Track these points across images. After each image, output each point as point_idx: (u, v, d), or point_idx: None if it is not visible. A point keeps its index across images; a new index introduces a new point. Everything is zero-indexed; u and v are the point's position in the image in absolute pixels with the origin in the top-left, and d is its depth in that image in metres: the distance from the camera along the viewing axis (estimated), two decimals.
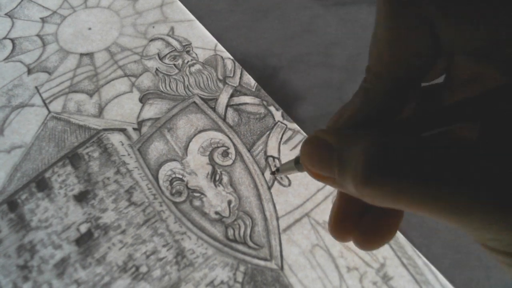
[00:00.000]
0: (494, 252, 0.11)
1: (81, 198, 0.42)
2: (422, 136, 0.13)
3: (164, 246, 0.39)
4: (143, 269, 0.38)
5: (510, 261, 0.11)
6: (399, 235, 0.39)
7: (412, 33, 0.13)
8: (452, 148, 0.11)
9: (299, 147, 0.44)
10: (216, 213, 0.40)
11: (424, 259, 0.37)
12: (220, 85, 0.49)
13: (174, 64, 0.52)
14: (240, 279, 0.37)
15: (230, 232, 0.39)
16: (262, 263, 0.38)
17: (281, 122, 0.46)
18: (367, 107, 0.15)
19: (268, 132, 0.45)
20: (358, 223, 0.16)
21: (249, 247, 0.39)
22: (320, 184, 0.42)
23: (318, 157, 0.14)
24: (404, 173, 0.11)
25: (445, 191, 0.10)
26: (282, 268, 0.38)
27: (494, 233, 0.10)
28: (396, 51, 0.13)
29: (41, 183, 0.43)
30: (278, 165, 0.43)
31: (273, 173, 0.33)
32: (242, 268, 0.38)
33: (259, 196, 0.41)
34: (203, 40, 0.54)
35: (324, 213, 0.40)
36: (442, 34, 0.13)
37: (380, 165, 0.11)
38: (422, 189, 0.11)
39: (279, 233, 0.39)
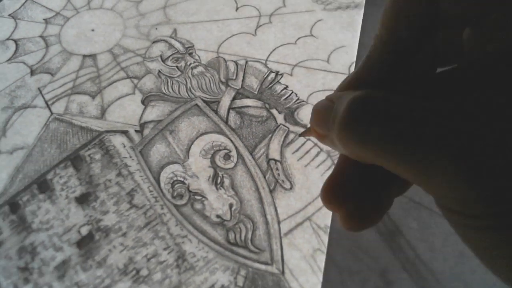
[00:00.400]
0: (452, 214, 0.12)
1: (83, 200, 0.42)
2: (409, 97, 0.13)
3: (165, 249, 0.39)
4: (144, 272, 0.38)
5: (468, 221, 0.11)
6: (402, 242, 0.38)
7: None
8: (416, 107, 0.12)
9: (301, 150, 0.44)
10: (217, 216, 0.40)
11: (428, 265, 0.37)
12: (223, 87, 0.49)
13: (177, 66, 0.52)
14: (241, 283, 0.37)
15: (231, 235, 0.39)
16: (263, 267, 0.38)
17: (283, 125, 0.46)
18: (369, 70, 0.16)
19: (270, 135, 0.45)
20: (348, 198, 0.16)
21: (250, 251, 0.39)
22: None
23: (321, 115, 0.15)
24: (374, 124, 0.12)
25: (406, 145, 0.11)
26: (283, 272, 0.37)
27: (461, 194, 0.11)
28: (397, 12, 0.14)
29: (43, 185, 0.43)
30: (279, 168, 0.43)
31: (299, 135, 0.35)
32: (243, 272, 0.38)
33: (260, 200, 0.41)
34: (206, 42, 0.54)
35: (326, 217, 0.40)
36: (445, 4, 0.13)
37: (356, 113, 0.13)
38: (385, 142, 0.12)
39: (281, 237, 0.39)
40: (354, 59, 0.51)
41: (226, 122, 0.46)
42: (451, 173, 0.11)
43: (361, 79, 0.16)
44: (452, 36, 0.15)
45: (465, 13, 0.13)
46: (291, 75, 0.50)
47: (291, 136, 0.45)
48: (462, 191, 0.11)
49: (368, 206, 0.16)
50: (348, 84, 0.16)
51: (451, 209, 0.12)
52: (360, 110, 0.13)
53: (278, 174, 0.43)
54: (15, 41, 0.56)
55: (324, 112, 0.15)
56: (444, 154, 0.11)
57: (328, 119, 0.14)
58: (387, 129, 0.12)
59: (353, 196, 0.16)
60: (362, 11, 0.55)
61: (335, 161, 0.44)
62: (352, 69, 0.50)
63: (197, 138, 0.45)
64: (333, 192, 0.16)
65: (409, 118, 0.12)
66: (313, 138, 0.45)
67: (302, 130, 0.45)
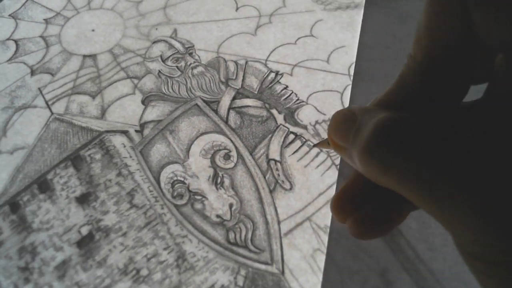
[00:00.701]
0: (474, 260, 0.11)
1: (83, 200, 0.42)
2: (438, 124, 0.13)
3: (165, 249, 0.39)
4: (144, 272, 0.38)
5: (490, 270, 0.10)
6: (402, 242, 0.38)
7: (449, 20, 0.13)
8: (444, 139, 0.11)
9: (301, 151, 0.44)
10: (218, 216, 0.40)
11: (427, 265, 0.37)
12: (223, 87, 0.49)
13: (177, 66, 0.52)
14: (241, 283, 0.37)
15: (231, 235, 0.39)
16: (263, 267, 0.38)
17: (283, 125, 0.46)
18: (401, 89, 0.15)
19: (270, 135, 0.45)
20: (359, 208, 0.16)
21: (250, 251, 0.39)
22: (322, 188, 0.42)
23: (342, 126, 0.15)
24: (399, 154, 0.12)
25: (430, 178, 0.11)
26: (283, 272, 0.37)
27: (475, 234, 0.10)
28: (432, 33, 0.14)
29: (43, 185, 0.43)
30: (279, 169, 0.43)
31: (313, 146, 0.36)
32: (243, 272, 0.38)
33: (260, 200, 0.41)
34: (206, 42, 0.54)
35: (326, 217, 0.40)
36: (477, 24, 0.13)
37: (381, 140, 0.12)
38: (407, 174, 0.11)
39: (280, 237, 0.39)
40: (354, 59, 0.51)
41: (226, 122, 0.46)
42: (468, 212, 0.10)
43: (392, 98, 0.15)
44: (483, 60, 0.14)
45: (502, 38, 0.13)
46: (291, 75, 0.50)
47: (291, 136, 0.45)
48: (478, 233, 0.10)
49: (377, 219, 0.16)
50: (378, 103, 0.16)
51: (468, 252, 0.11)
52: (386, 137, 0.12)
53: (278, 175, 0.43)
54: (16, 41, 0.56)
55: (345, 124, 0.14)
56: (463, 191, 0.10)
57: (349, 133, 0.14)
58: (411, 161, 0.11)
59: (362, 209, 0.16)
60: (362, 11, 0.55)
61: (335, 162, 0.45)
62: (352, 69, 0.50)
63: (197, 138, 0.45)
64: (342, 204, 0.16)
65: (436, 152, 0.11)
66: (308, 137, 0.45)
67: (302, 130, 0.45)
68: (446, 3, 0.13)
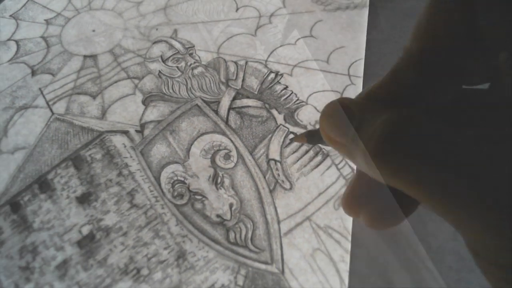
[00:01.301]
0: (485, 262, 0.11)
1: (83, 200, 0.42)
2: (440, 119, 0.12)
3: (165, 248, 0.39)
4: (144, 271, 0.38)
5: (501, 273, 0.10)
6: (402, 242, 0.38)
7: (452, 15, 0.13)
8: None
9: (300, 150, 0.44)
10: (218, 216, 0.41)
11: (427, 265, 0.37)
12: (223, 87, 0.50)
13: (177, 67, 0.52)
14: (241, 282, 0.37)
15: (232, 235, 0.40)
16: (263, 266, 0.38)
17: (283, 126, 0.46)
18: (394, 81, 0.15)
19: (270, 135, 0.45)
20: (370, 200, 0.16)
21: (250, 250, 0.39)
22: (321, 187, 0.42)
23: (337, 120, 0.14)
24: (412, 153, 0.11)
25: (449, 180, 0.10)
26: (283, 272, 0.38)
27: (490, 238, 0.10)
28: (432, 26, 0.14)
29: (44, 185, 0.43)
30: (279, 168, 0.43)
31: (290, 140, 0.34)
32: (243, 271, 0.38)
33: (260, 199, 0.41)
34: (206, 42, 0.54)
35: (325, 217, 0.40)
36: (483, 25, 0.12)
37: (394, 139, 0.12)
38: (419, 177, 0.11)
39: (280, 237, 0.39)
40: (354, 59, 0.51)
41: (226, 122, 0.46)
42: (484, 215, 0.10)
43: (383, 91, 0.15)
44: (487, 56, 0.14)
45: (504, 36, 0.12)
46: (291, 75, 0.50)
47: (291, 136, 0.45)
48: (495, 236, 0.10)
49: (388, 209, 0.15)
50: (369, 94, 0.15)
51: (483, 257, 0.11)
52: (399, 137, 0.12)
53: (278, 174, 0.43)
54: (16, 41, 0.56)
55: (341, 119, 0.14)
56: (479, 194, 0.10)
57: (348, 129, 0.13)
58: (423, 164, 0.11)
59: (372, 202, 0.16)
60: (362, 11, 0.55)
61: (335, 161, 0.45)
62: (352, 69, 0.50)
63: (197, 138, 0.45)
64: (353, 200, 0.16)
65: (448, 150, 0.11)
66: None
67: (302, 130, 0.45)
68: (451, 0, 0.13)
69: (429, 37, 0.14)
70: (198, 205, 0.41)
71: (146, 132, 0.46)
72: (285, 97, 0.48)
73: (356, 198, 0.16)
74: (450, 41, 0.14)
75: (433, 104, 0.14)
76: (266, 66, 0.51)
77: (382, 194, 0.16)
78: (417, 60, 0.14)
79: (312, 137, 0.18)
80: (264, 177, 0.43)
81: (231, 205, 0.41)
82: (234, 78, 0.50)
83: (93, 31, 0.57)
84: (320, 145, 0.44)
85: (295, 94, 0.48)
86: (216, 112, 0.47)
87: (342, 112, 0.14)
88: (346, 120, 0.14)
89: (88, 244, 0.40)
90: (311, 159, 0.43)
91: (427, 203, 0.11)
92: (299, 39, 0.54)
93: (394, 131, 0.12)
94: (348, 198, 0.16)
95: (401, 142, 0.12)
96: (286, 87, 0.49)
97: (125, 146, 0.46)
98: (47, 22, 0.58)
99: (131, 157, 0.45)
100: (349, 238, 0.39)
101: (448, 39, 0.14)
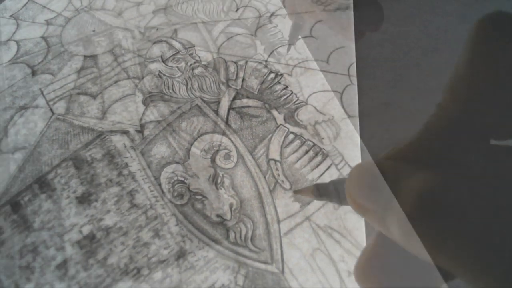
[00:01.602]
0: None
1: (84, 200, 0.42)
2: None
3: (165, 248, 0.39)
4: (145, 271, 0.38)
5: None
6: None
7: (491, 72, 0.12)
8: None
9: (300, 151, 0.44)
10: (218, 216, 0.41)
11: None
12: (223, 87, 0.50)
13: (177, 67, 0.52)
14: (241, 282, 0.37)
15: (232, 235, 0.40)
16: (263, 266, 0.38)
17: (283, 126, 0.46)
18: (426, 139, 0.14)
19: (270, 136, 0.45)
20: (391, 276, 0.15)
21: (250, 250, 0.39)
22: None
23: (368, 184, 0.13)
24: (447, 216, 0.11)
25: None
26: (283, 271, 0.38)
27: None
28: (472, 84, 0.13)
29: (44, 185, 0.44)
30: (279, 168, 0.43)
31: (294, 192, 0.37)
32: (243, 271, 0.38)
33: (260, 199, 0.41)
34: (206, 42, 0.54)
35: (325, 217, 0.40)
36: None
37: (431, 202, 0.11)
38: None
39: (280, 237, 0.39)
40: (354, 59, 0.51)
41: (226, 122, 0.47)
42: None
43: (416, 149, 0.14)
44: None
45: None
46: (291, 75, 0.50)
47: (291, 136, 0.45)
48: None
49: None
50: (398, 154, 0.14)
51: None
52: (438, 199, 0.11)
53: (278, 174, 0.43)
54: (17, 42, 0.57)
55: (373, 184, 0.13)
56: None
57: (379, 192, 0.12)
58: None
59: (393, 278, 0.14)
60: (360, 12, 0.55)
61: (335, 161, 0.45)
62: (352, 69, 0.50)
63: (197, 138, 0.45)
64: (369, 271, 0.15)
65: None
66: (308, 137, 0.45)
67: (302, 131, 0.46)
68: (492, 53, 0.12)
69: (472, 95, 0.13)
70: (198, 205, 0.41)
71: (146, 132, 0.47)
72: (285, 97, 0.48)
73: (376, 269, 0.15)
74: (488, 100, 0.13)
75: (464, 160, 0.14)
76: (266, 66, 0.51)
77: (410, 269, 0.14)
78: (455, 118, 0.13)
79: (320, 191, 0.16)
80: (264, 177, 0.43)
81: (231, 205, 0.41)
82: (234, 78, 0.51)
83: (93, 31, 0.57)
84: (320, 145, 0.44)
85: (295, 94, 0.49)
86: (216, 112, 0.47)
87: (372, 176, 0.13)
88: (378, 183, 0.13)
89: (88, 244, 0.40)
90: (311, 159, 0.43)
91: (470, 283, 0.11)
92: (299, 39, 0.54)
93: (434, 189, 0.11)
94: (364, 268, 0.15)
95: (435, 206, 0.11)
96: (286, 87, 0.49)
97: (125, 146, 0.46)
98: (48, 22, 0.58)
99: (131, 157, 0.45)
100: (349, 238, 0.39)
101: (487, 97, 0.13)
